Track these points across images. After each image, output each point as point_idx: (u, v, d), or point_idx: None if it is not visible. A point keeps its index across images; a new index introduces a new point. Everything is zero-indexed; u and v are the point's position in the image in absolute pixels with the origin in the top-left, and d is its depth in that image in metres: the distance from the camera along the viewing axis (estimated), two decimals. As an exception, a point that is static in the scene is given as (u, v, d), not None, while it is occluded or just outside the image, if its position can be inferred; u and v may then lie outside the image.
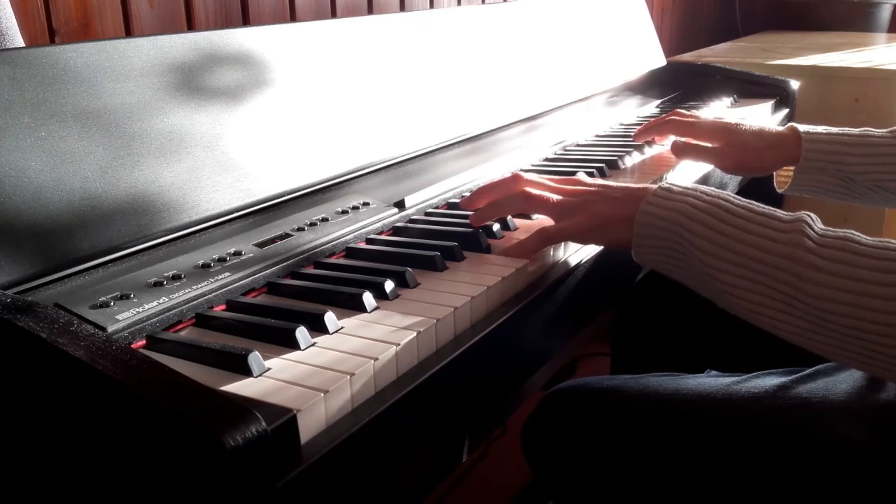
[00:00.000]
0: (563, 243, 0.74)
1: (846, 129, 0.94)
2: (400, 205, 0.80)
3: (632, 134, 1.14)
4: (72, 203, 0.60)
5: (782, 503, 0.71)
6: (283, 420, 0.44)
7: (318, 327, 0.55)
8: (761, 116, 1.39)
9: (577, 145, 1.14)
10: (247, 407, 0.41)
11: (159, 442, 0.42)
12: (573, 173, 0.90)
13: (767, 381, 0.77)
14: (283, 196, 0.77)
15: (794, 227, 0.60)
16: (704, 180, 1.05)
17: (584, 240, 0.73)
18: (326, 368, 0.50)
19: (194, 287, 0.59)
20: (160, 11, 1.03)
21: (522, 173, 0.77)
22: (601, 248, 0.77)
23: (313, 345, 0.54)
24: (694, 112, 1.09)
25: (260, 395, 0.47)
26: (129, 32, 1.00)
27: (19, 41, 0.76)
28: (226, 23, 1.12)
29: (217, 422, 0.40)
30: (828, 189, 0.96)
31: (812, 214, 0.62)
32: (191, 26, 1.07)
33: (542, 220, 0.80)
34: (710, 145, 1.00)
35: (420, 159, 0.96)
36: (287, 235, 0.70)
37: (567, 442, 0.83)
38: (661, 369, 0.87)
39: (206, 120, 0.73)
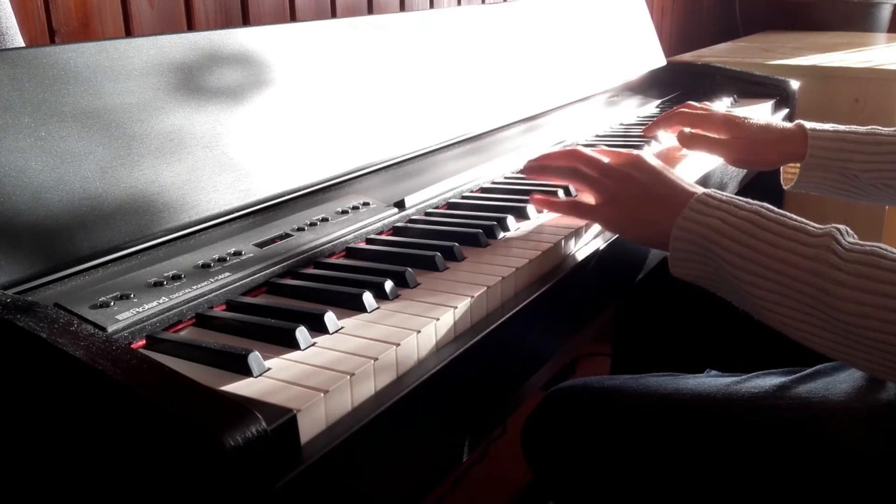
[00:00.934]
0: (562, 244, 0.74)
1: (853, 127, 0.94)
2: (400, 205, 0.80)
3: (632, 134, 1.14)
4: (72, 203, 0.60)
5: (782, 502, 0.71)
6: (283, 420, 0.44)
7: (318, 327, 0.55)
8: (761, 116, 1.39)
9: (578, 145, 1.14)
10: (247, 407, 0.41)
11: (159, 442, 0.42)
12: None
13: (767, 381, 0.77)
14: (283, 196, 0.77)
15: (821, 241, 0.61)
16: (705, 179, 1.05)
17: (614, 231, 0.77)
18: (326, 368, 0.50)
19: (194, 287, 0.59)
20: (160, 11, 1.03)
21: (580, 148, 0.81)
22: (601, 247, 0.78)
23: (313, 345, 0.54)
24: (705, 104, 1.09)
25: (260, 395, 0.47)
26: (129, 32, 1.00)
27: (19, 41, 0.76)
28: (226, 23, 1.12)
29: (217, 422, 0.40)
30: (832, 186, 0.96)
31: (842, 227, 0.63)
32: (191, 26, 1.07)
33: (542, 223, 0.80)
34: (717, 137, 1.00)
35: (420, 159, 0.96)
36: (287, 235, 0.70)
37: (567, 442, 0.83)
38: (661, 369, 0.87)
39: (206, 120, 0.73)
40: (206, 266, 0.63)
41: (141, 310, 0.55)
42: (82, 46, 0.66)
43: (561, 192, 0.85)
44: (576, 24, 1.40)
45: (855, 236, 0.63)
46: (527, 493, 1.38)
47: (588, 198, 0.79)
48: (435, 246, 0.70)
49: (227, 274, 0.62)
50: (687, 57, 2.08)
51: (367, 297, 0.60)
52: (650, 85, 1.60)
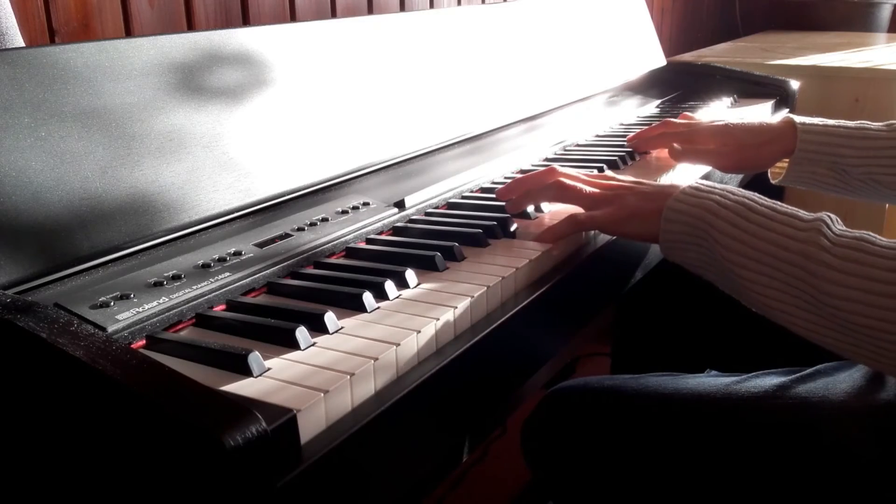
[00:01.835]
0: (563, 243, 0.74)
1: (842, 122, 0.94)
2: (400, 205, 0.80)
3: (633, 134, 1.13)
4: (72, 203, 0.60)
5: (782, 502, 0.71)
6: (283, 420, 0.44)
7: (318, 327, 0.55)
8: (761, 116, 1.39)
9: (578, 145, 1.14)
10: (247, 407, 0.41)
11: (159, 442, 0.42)
12: None
13: (767, 381, 0.77)
14: (283, 196, 0.77)
15: (812, 226, 0.62)
16: (705, 179, 1.05)
17: (612, 230, 0.76)
18: (326, 368, 0.50)
19: (194, 287, 0.59)
20: (160, 11, 1.03)
21: (557, 166, 0.81)
22: (598, 248, 0.78)
23: (313, 345, 0.54)
24: (688, 114, 1.08)
25: (260, 395, 0.47)
26: (129, 32, 1.00)
27: (19, 41, 0.76)
28: (226, 23, 1.12)
29: (217, 422, 0.40)
30: (822, 181, 0.95)
31: (832, 215, 0.64)
32: (191, 26, 1.07)
33: (543, 223, 0.80)
34: (706, 148, 1.00)
35: (420, 159, 0.96)
36: (287, 235, 0.70)
37: (567, 442, 0.83)
38: (660, 369, 0.87)
39: (206, 120, 0.73)
40: (206, 266, 0.63)
41: (141, 310, 0.55)
42: (82, 46, 0.66)
43: (531, 209, 0.81)
44: (576, 24, 1.40)
45: (843, 225, 0.63)
46: (526, 493, 1.38)
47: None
48: (435, 246, 0.70)
49: (227, 274, 0.62)
50: (687, 57, 2.08)
51: (367, 297, 0.60)
52: (650, 85, 1.60)
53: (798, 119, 0.96)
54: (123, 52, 0.69)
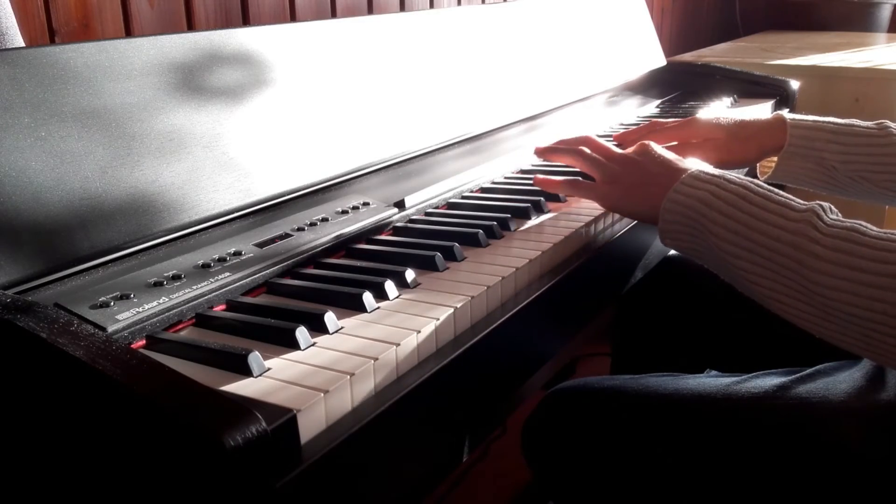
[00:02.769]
0: (562, 244, 0.74)
1: (831, 119, 0.94)
2: (400, 205, 0.80)
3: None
4: (72, 203, 0.60)
5: (782, 502, 0.71)
6: (283, 420, 0.44)
7: (318, 327, 0.56)
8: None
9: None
10: (247, 407, 0.41)
11: (159, 442, 0.42)
12: (574, 173, 0.90)
13: (767, 381, 0.77)
14: (283, 196, 0.77)
15: (803, 216, 0.63)
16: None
17: (608, 207, 0.80)
18: (326, 368, 0.50)
19: (194, 287, 0.59)
20: (160, 11, 1.03)
21: (594, 136, 0.86)
22: (601, 248, 0.78)
23: (313, 345, 0.54)
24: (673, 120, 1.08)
25: (260, 395, 0.47)
26: (129, 32, 1.00)
27: (19, 41, 0.76)
28: (226, 23, 1.12)
29: (217, 422, 0.40)
30: (810, 178, 0.95)
31: (826, 205, 0.64)
32: (191, 26, 1.07)
33: (543, 223, 0.80)
34: (693, 143, 0.99)
35: (420, 159, 0.96)
36: (287, 235, 0.70)
37: (567, 442, 0.83)
38: (660, 369, 0.87)
39: (206, 120, 0.73)
40: (206, 266, 0.63)
41: (141, 310, 0.55)
42: (82, 46, 0.66)
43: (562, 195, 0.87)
44: (576, 24, 1.40)
45: (838, 214, 0.64)
46: (527, 493, 1.38)
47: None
48: (435, 246, 0.70)
49: (227, 274, 0.62)
50: (687, 57, 2.08)
51: (367, 297, 0.60)
52: (650, 85, 1.60)
53: (789, 115, 0.96)
54: (123, 52, 0.69)
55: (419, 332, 0.55)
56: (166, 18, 1.04)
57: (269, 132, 0.78)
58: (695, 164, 0.75)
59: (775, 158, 0.97)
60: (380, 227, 0.77)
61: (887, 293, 0.57)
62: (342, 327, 0.56)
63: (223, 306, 0.60)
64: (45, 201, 0.59)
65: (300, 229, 0.72)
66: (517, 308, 0.64)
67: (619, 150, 0.82)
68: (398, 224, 0.79)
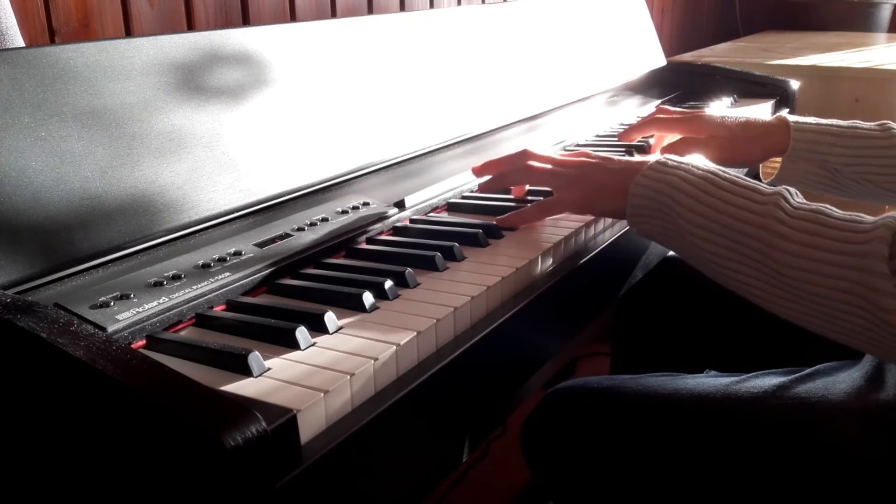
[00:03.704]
0: (562, 244, 0.74)
1: (834, 121, 0.94)
2: (400, 205, 0.80)
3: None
4: (72, 203, 0.60)
5: (782, 502, 0.71)
6: (283, 420, 0.44)
7: (318, 327, 0.56)
8: (761, 116, 1.39)
9: (577, 145, 1.14)
10: (247, 407, 0.41)
11: (159, 442, 0.42)
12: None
13: (766, 381, 0.77)
14: (283, 196, 0.77)
15: (770, 199, 0.64)
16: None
17: (580, 210, 0.78)
18: (326, 368, 0.50)
19: (194, 287, 0.59)
20: (160, 11, 1.03)
21: (530, 149, 0.82)
22: (601, 248, 0.78)
23: (313, 345, 0.54)
24: (666, 107, 1.08)
25: (260, 395, 0.47)
26: (129, 32, 1.00)
27: (19, 41, 0.76)
28: (226, 23, 1.12)
29: (217, 422, 0.40)
30: (813, 180, 0.95)
31: (792, 189, 0.66)
32: (191, 26, 1.07)
33: (543, 223, 0.80)
34: (697, 138, 1.00)
35: (420, 159, 0.96)
36: (287, 235, 0.70)
37: (566, 442, 0.83)
38: (660, 369, 0.87)
39: (206, 120, 0.73)
40: (206, 266, 0.63)
41: (141, 310, 0.55)
42: (82, 46, 0.66)
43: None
44: (576, 24, 1.40)
45: (803, 198, 0.65)
46: (526, 493, 1.38)
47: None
48: (435, 246, 0.70)
49: (227, 274, 0.62)
50: (687, 57, 2.08)
51: (367, 297, 0.60)
52: (650, 85, 1.60)
53: (791, 118, 0.96)
54: (123, 52, 0.69)
55: (419, 332, 0.55)
56: (166, 18, 1.04)
57: (269, 132, 0.78)
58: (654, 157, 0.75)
59: (778, 160, 0.97)
60: (380, 228, 0.77)
61: (849, 272, 0.59)
62: (342, 327, 0.56)
63: (223, 306, 0.60)
64: (45, 201, 0.59)
65: (300, 229, 0.72)
66: (517, 308, 0.64)
67: (561, 157, 0.80)
68: (398, 224, 0.79)
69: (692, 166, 0.70)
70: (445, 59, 1.05)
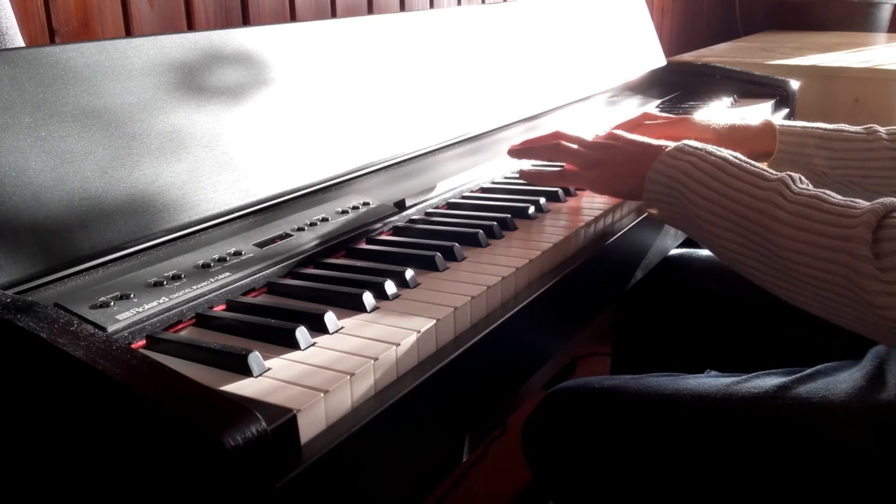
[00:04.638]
0: (562, 244, 0.74)
1: (820, 124, 0.95)
2: (400, 205, 0.80)
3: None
4: (72, 203, 0.60)
5: (782, 502, 0.71)
6: (283, 420, 0.44)
7: (318, 327, 0.55)
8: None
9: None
10: (247, 407, 0.41)
11: (159, 442, 0.42)
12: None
13: (767, 382, 0.77)
14: (283, 196, 0.77)
15: (772, 185, 0.67)
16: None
17: (598, 190, 0.83)
18: (326, 368, 0.50)
19: (194, 287, 0.59)
20: (160, 11, 1.03)
21: (563, 129, 0.88)
22: (601, 249, 0.78)
23: (313, 345, 0.54)
24: (666, 114, 1.08)
25: (260, 395, 0.47)
26: (129, 32, 1.00)
27: (19, 41, 0.76)
28: (226, 23, 1.12)
29: (217, 422, 0.40)
30: None
31: (796, 175, 0.68)
32: (191, 26, 1.07)
33: (543, 223, 0.80)
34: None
35: (420, 159, 0.96)
36: (287, 235, 0.70)
37: (567, 442, 0.83)
38: (660, 369, 0.87)
39: (206, 120, 0.73)
40: (206, 266, 0.63)
41: (141, 310, 0.55)
42: (82, 46, 0.66)
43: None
44: (576, 24, 1.40)
45: (808, 184, 0.68)
46: (526, 494, 1.38)
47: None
48: (435, 246, 0.70)
49: (227, 274, 0.62)
50: (687, 57, 2.08)
51: (367, 297, 0.60)
52: (650, 85, 1.60)
53: (777, 122, 0.97)
54: (123, 52, 0.69)
55: (419, 331, 0.55)
56: (166, 18, 1.04)
57: (270, 132, 0.78)
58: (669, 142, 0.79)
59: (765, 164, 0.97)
60: (380, 228, 0.77)
61: (837, 254, 0.61)
62: (342, 327, 0.56)
63: (223, 306, 0.60)
64: (45, 201, 0.59)
65: (300, 229, 0.72)
66: (517, 308, 0.64)
67: (590, 140, 0.85)
68: (398, 224, 0.79)
69: (706, 153, 0.73)
70: (445, 60, 1.05)
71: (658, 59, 1.63)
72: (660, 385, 0.81)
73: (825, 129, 0.93)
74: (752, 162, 0.72)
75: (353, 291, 0.60)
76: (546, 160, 0.92)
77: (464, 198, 0.88)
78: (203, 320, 0.58)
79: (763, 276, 0.69)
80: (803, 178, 0.68)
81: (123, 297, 0.56)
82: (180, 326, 0.57)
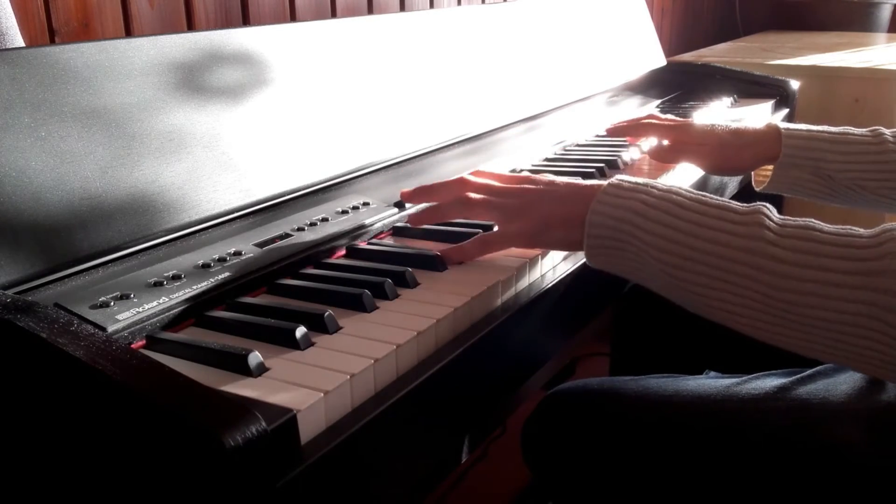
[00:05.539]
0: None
1: (826, 127, 0.94)
2: (400, 205, 0.80)
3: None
4: (72, 203, 0.60)
5: None
6: (283, 420, 0.44)
7: (318, 327, 0.55)
8: (761, 116, 1.39)
9: (578, 145, 1.14)
10: (247, 407, 0.41)
11: (159, 442, 0.42)
12: (573, 173, 0.90)
13: (767, 383, 0.77)
14: (283, 196, 0.77)
15: (751, 219, 0.59)
16: (703, 182, 1.05)
17: (528, 244, 0.70)
18: (326, 368, 0.50)
19: (194, 287, 0.59)
20: (160, 11, 1.03)
21: (469, 176, 0.74)
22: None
23: (313, 345, 0.54)
24: (672, 116, 1.08)
25: (260, 395, 0.47)
26: (129, 32, 1.00)
27: (19, 41, 0.76)
28: (226, 23, 1.12)
29: (217, 422, 0.40)
30: (806, 187, 0.95)
31: (769, 205, 0.60)
32: (191, 26, 1.07)
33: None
34: (687, 146, 0.99)
35: (420, 159, 0.96)
36: (287, 235, 0.70)
37: (566, 443, 0.83)
38: (660, 370, 0.87)
39: (206, 120, 0.73)
40: (206, 266, 0.63)
41: (141, 310, 0.55)
42: (82, 46, 0.66)
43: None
44: (576, 24, 1.40)
45: (779, 214, 0.60)
46: (526, 494, 1.38)
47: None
48: (435, 246, 0.70)
49: (227, 274, 0.62)
50: (687, 57, 2.08)
51: (367, 297, 0.60)
52: (650, 85, 1.60)
53: (782, 125, 0.96)
54: (123, 52, 0.69)
55: (419, 331, 0.55)
56: (166, 18, 1.04)
57: (270, 132, 0.78)
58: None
59: (768, 169, 0.97)
60: (380, 228, 0.77)
61: (860, 292, 0.54)
62: (342, 327, 0.56)
63: (223, 306, 0.60)
64: (45, 201, 0.59)
65: (300, 229, 0.72)
66: (517, 307, 0.64)
67: (501, 184, 0.72)
68: (398, 224, 0.79)
69: (651, 187, 0.64)
70: (445, 60, 1.05)
71: (658, 59, 1.63)
72: (660, 386, 0.81)
73: (831, 133, 0.92)
74: (704, 192, 0.63)
75: (353, 291, 0.60)
76: (455, 219, 0.75)
77: (464, 198, 0.88)
78: (203, 320, 0.58)
79: (752, 323, 0.59)
80: (773, 207, 0.60)
81: (123, 297, 0.56)
82: (180, 326, 0.57)
